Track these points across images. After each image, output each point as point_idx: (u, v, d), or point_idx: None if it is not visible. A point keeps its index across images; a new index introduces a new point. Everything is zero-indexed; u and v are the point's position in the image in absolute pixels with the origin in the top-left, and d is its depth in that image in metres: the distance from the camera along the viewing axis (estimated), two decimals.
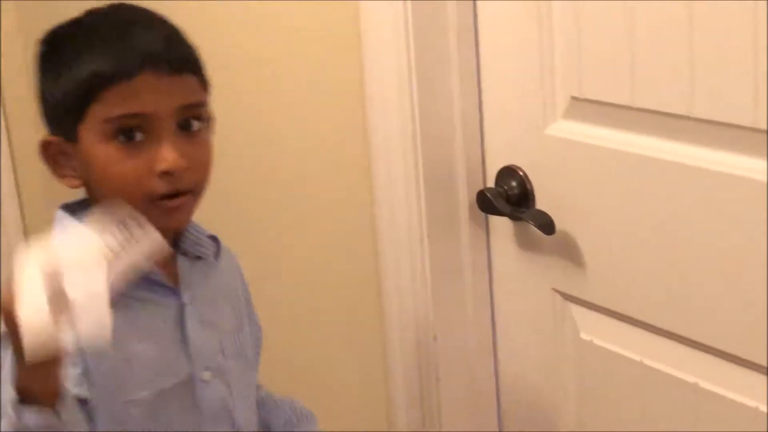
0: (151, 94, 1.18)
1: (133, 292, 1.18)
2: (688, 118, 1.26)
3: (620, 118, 1.35)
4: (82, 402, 1.15)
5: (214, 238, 1.32)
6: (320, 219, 1.78)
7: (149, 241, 1.07)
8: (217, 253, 1.31)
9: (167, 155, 1.17)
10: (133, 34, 1.20)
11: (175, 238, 1.28)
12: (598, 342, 1.48)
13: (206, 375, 1.27)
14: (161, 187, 1.18)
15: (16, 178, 2.49)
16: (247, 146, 1.86)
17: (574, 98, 1.41)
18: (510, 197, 1.51)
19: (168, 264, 1.26)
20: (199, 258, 1.29)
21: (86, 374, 1.18)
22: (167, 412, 1.24)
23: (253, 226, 1.89)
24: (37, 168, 1.29)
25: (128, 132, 1.18)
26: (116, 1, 1.27)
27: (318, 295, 1.82)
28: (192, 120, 1.21)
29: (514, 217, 1.52)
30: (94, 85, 1.17)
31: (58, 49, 1.23)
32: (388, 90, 1.54)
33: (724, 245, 1.25)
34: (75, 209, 1.26)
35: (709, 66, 1.21)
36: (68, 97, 1.20)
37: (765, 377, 1.25)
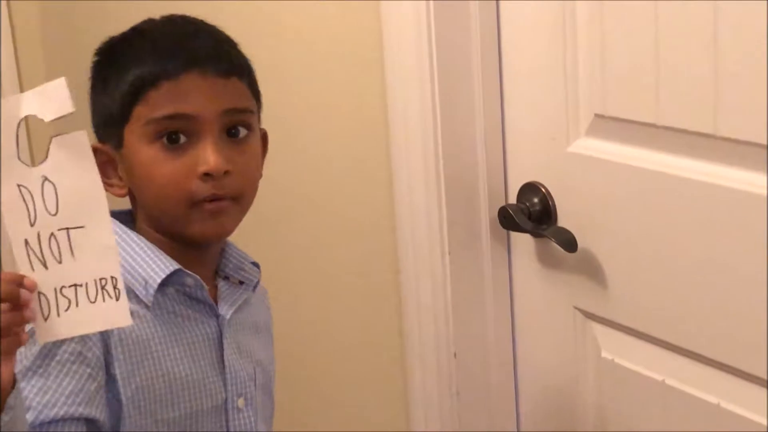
0: (196, 95, 1.17)
1: (177, 308, 1.20)
2: (713, 136, 1.25)
3: (644, 136, 1.35)
4: (89, 422, 1.13)
5: (256, 265, 1.31)
6: (341, 234, 1.78)
7: None
8: (258, 281, 1.30)
9: (209, 157, 1.16)
10: (181, 39, 1.20)
11: (219, 261, 1.27)
12: (619, 361, 1.47)
13: (240, 402, 1.26)
14: (202, 189, 1.17)
15: None
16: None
17: (597, 116, 1.40)
18: (532, 214, 1.50)
19: (210, 285, 1.25)
20: (241, 283, 1.28)
21: (112, 390, 1.16)
22: None
23: (273, 240, 1.88)
24: None
25: (172, 134, 1.17)
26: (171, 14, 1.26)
27: (339, 310, 1.82)
28: (239, 127, 1.20)
29: (535, 234, 1.52)
30: (139, 86, 1.17)
31: (110, 58, 1.24)
32: (410, 106, 1.54)
33: (748, 266, 1.24)
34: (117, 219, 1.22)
35: (734, 85, 1.21)
36: (115, 101, 1.19)
37: None
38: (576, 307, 1.51)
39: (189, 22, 1.25)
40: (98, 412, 1.14)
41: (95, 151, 1.16)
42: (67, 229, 1.00)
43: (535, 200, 1.50)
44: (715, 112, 1.23)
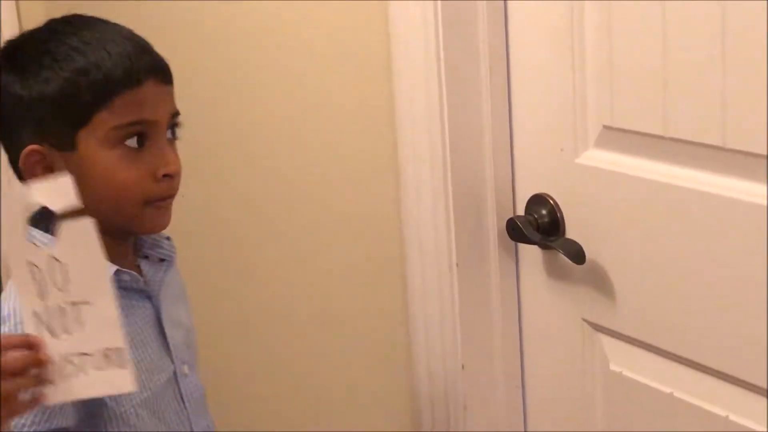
0: (154, 102, 1.24)
1: (119, 301, 1.19)
2: (722, 148, 1.25)
3: (652, 147, 1.34)
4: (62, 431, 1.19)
5: (168, 239, 1.37)
6: (348, 245, 1.78)
7: None
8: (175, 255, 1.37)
9: (171, 160, 1.25)
10: (135, 48, 1.25)
11: (135, 243, 1.34)
12: (627, 373, 1.47)
13: (185, 368, 1.35)
14: (161, 190, 1.25)
15: None
16: (275, 174, 1.86)
17: (606, 127, 1.40)
18: (540, 225, 1.50)
19: (133, 269, 1.31)
20: (161, 261, 1.35)
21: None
22: (165, 409, 1.31)
23: (280, 250, 1.88)
24: None
25: (134, 138, 1.23)
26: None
27: (346, 323, 1.82)
28: (176, 129, 1.29)
29: (543, 246, 1.52)
30: (103, 93, 1.21)
31: (39, 53, 1.23)
32: (418, 117, 1.54)
33: (757, 278, 1.24)
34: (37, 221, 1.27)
35: (742, 97, 1.21)
36: (69, 103, 1.21)
37: None
38: (584, 319, 1.51)
39: (108, 24, 1.28)
40: (65, 419, 1.19)
41: (32, 153, 1.22)
42: (75, 303, 1.06)
43: (543, 212, 1.50)
44: (723, 124, 1.23)
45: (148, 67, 1.24)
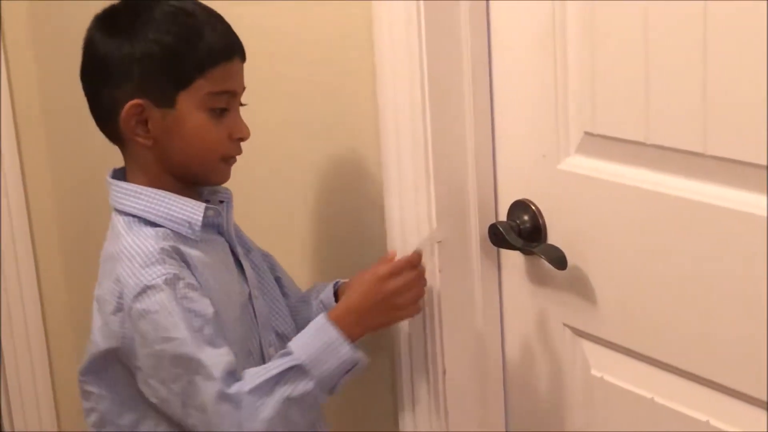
0: (237, 77, 1.46)
1: (206, 236, 1.46)
2: (703, 155, 1.25)
3: (634, 154, 1.35)
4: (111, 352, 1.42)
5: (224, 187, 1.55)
6: (331, 250, 1.78)
7: None
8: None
9: (244, 126, 1.47)
10: (227, 27, 1.45)
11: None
12: (609, 378, 1.47)
13: (256, 292, 1.54)
14: (234, 149, 1.47)
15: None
16: (258, 174, 1.86)
17: (587, 133, 1.41)
18: (522, 231, 1.50)
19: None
20: (220, 202, 1.52)
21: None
22: (246, 326, 1.50)
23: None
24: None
25: (219, 105, 1.43)
26: None
27: None
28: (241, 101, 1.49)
29: (525, 252, 1.52)
30: (206, 62, 1.41)
31: (147, 17, 1.41)
32: (401, 123, 1.55)
33: (736, 283, 1.25)
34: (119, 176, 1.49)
35: (723, 104, 1.21)
36: (176, 65, 1.40)
37: None
38: (566, 324, 1.52)
39: (212, 10, 1.47)
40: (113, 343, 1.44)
41: (136, 106, 1.41)
42: None
43: (526, 218, 1.50)
44: (704, 130, 1.24)
45: (237, 45, 1.45)
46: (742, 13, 1.17)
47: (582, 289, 1.46)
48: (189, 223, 1.44)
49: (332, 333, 1.39)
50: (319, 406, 1.41)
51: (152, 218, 1.43)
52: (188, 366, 1.35)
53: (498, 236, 1.51)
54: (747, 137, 1.20)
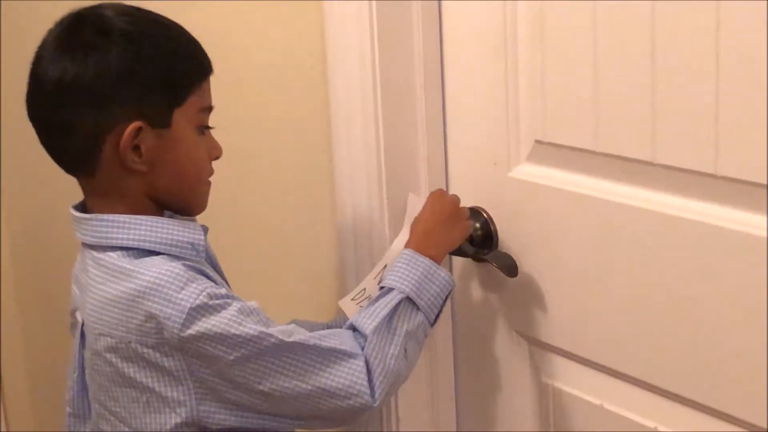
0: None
1: (209, 272, 1.32)
2: (651, 163, 1.26)
3: (584, 162, 1.36)
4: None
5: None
6: (283, 256, 1.78)
7: None
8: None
9: (218, 144, 1.37)
10: (195, 39, 1.35)
11: None
12: (558, 385, 1.48)
13: None
14: (211, 171, 1.37)
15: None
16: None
17: (538, 141, 1.42)
18: (474, 238, 1.50)
19: None
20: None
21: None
22: None
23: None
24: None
25: (206, 121, 1.34)
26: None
27: None
28: None
29: (477, 259, 1.53)
30: (198, 76, 1.32)
31: (152, 37, 1.30)
32: (353, 130, 1.55)
33: (682, 289, 1.26)
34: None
35: (670, 113, 1.22)
36: (170, 83, 1.30)
37: (726, 423, 1.25)
38: (516, 331, 1.52)
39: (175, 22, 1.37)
40: None
41: (138, 130, 1.27)
42: None
43: (477, 225, 1.51)
44: (653, 139, 1.25)
45: (209, 59, 1.35)
46: (690, 21, 1.18)
47: (532, 296, 1.46)
48: (192, 244, 1.32)
49: (425, 261, 1.37)
50: (425, 341, 1.38)
51: (151, 247, 1.30)
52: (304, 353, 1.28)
53: None
54: (694, 146, 1.21)
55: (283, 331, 1.28)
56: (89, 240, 1.32)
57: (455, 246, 1.45)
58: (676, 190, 1.25)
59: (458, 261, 1.57)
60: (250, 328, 1.26)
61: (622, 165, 1.31)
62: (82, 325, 1.36)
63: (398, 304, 1.34)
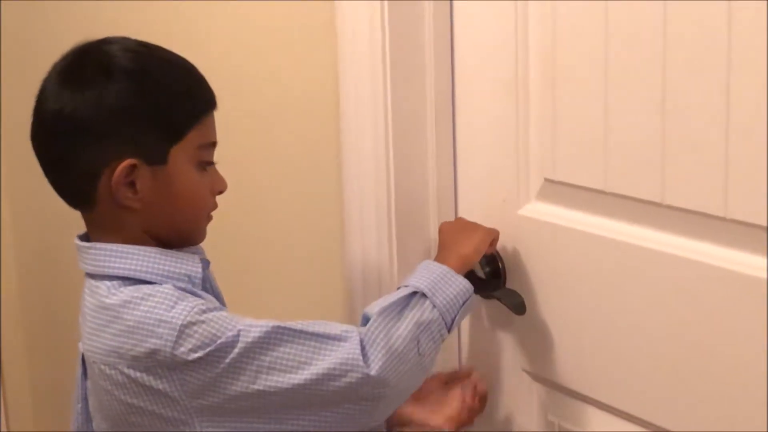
0: (215, 127, 1.35)
1: (202, 294, 1.32)
2: (660, 205, 1.26)
3: (593, 202, 1.36)
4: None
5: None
6: (292, 286, 1.77)
7: None
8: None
9: (223, 179, 1.37)
10: (199, 72, 1.34)
11: None
12: (564, 424, 1.47)
13: None
14: (215, 205, 1.37)
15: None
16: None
17: (548, 180, 1.42)
18: (481, 276, 1.50)
19: None
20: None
21: None
22: None
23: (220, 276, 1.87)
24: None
25: (208, 157, 1.33)
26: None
27: None
28: None
29: (485, 296, 1.52)
30: (197, 112, 1.31)
31: (152, 74, 1.30)
32: (364, 164, 1.55)
33: (694, 333, 1.25)
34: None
35: (681, 154, 1.22)
36: (171, 119, 1.29)
37: None
38: (523, 369, 1.51)
39: (169, 52, 1.36)
40: None
41: (133, 167, 1.27)
42: None
43: (485, 261, 1.50)
44: (662, 180, 1.25)
45: (214, 95, 1.34)
46: (701, 64, 1.18)
47: (540, 335, 1.46)
48: (189, 276, 1.31)
49: (442, 267, 1.37)
50: (440, 346, 1.35)
51: (147, 277, 1.29)
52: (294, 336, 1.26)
53: None
54: (704, 188, 1.20)
55: (266, 324, 1.27)
56: (89, 269, 1.33)
57: (480, 252, 1.43)
58: (686, 231, 1.25)
59: None
60: (233, 329, 1.24)
61: (631, 205, 1.31)
62: (83, 355, 1.36)
63: (410, 295, 1.33)
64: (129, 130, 1.28)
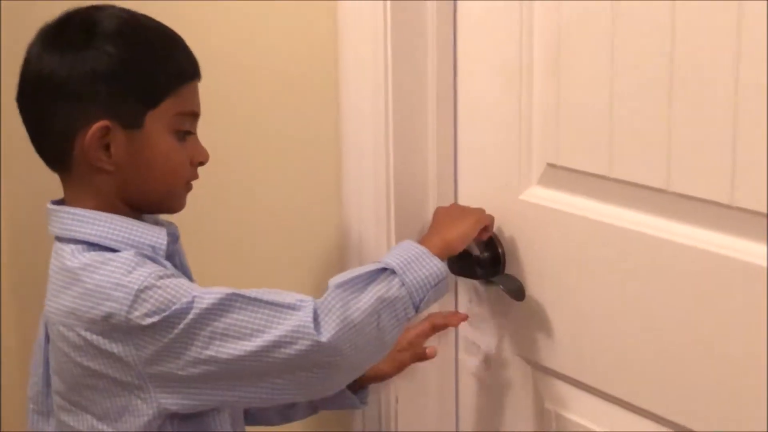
0: (198, 98, 1.37)
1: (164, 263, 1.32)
2: (665, 191, 1.25)
3: (596, 187, 1.35)
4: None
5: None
6: (289, 273, 1.76)
7: None
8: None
9: (204, 150, 1.38)
10: (183, 42, 1.36)
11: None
12: (561, 412, 1.47)
13: None
14: (194, 175, 1.38)
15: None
16: (220, 189, 1.84)
17: (550, 165, 1.41)
18: (481, 260, 1.49)
19: None
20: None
21: None
22: None
23: (220, 268, 1.86)
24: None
25: (185, 126, 1.34)
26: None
27: None
28: None
29: (484, 281, 1.51)
30: (177, 80, 1.33)
31: (114, 34, 1.30)
32: (364, 149, 1.54)
33: (694, 320, 1.24)
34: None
35: (686, 141, 1.21)
36: (145, 84, 1.31)
37: None
38: (520, 356, 1.51)
39: (169, 28, 1.38)
40: None
41: (105, 129, 1.29)
42: None
43: (485, 246, 1.49)
44: (668, 166, 1.24)
45: (197, 65, 1.36)
46: (709, 51, 1.17)
47: (538, 321, 1.45)
48: (153, 247, 1.32)
49: (418, 248, 1.35)
50: (404, 324, 1.33)
51: (110, 244, 1.30)
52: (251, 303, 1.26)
53: (456, 265, 1.50)
54: (710, 175, 1.19)
55: (221, 291, 1.26)
56: (56, 231, 1.34)
57: (465, 239, 1.41)
58: (690, 219, 1.24)
59: (465, 282, 1.56)
60: (188, 296, 1.24)
61: (634, 191, 1.30)
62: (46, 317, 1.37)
63: (379, 271, 1.32)
64: (105, 92, 1.29)
